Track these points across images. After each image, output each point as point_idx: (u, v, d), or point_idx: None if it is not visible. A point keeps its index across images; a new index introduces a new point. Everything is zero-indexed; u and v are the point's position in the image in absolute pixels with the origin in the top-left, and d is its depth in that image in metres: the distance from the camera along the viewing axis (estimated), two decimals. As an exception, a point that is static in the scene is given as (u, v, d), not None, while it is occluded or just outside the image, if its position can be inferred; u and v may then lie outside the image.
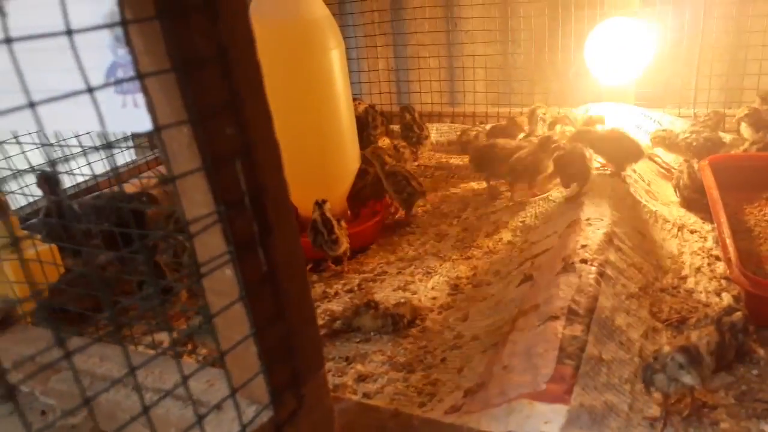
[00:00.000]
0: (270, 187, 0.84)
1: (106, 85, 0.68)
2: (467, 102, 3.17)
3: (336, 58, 2.12)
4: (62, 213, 1.89)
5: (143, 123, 0.79)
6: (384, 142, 2.93)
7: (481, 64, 3.16)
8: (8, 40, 0.57)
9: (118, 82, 0.76)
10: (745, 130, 2.43)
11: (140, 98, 0.91)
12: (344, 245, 2.04)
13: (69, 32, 0.62)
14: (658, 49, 2.68)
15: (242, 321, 0.84)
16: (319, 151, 2.22)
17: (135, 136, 2.46)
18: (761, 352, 1.40)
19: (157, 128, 0.72)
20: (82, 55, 0.71)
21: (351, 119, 2.29)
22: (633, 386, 1.28)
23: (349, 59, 3.55)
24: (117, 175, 2.31)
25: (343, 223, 2.09)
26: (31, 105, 0.59)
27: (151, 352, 1.49)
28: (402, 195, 2.30)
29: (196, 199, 0.79)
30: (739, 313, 1.40)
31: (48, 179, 2.00)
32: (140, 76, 0.71)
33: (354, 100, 2.50)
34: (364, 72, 3.46)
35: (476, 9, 3.14)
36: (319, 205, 2.04)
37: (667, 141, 2.50)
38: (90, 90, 0.64)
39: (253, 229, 0.82)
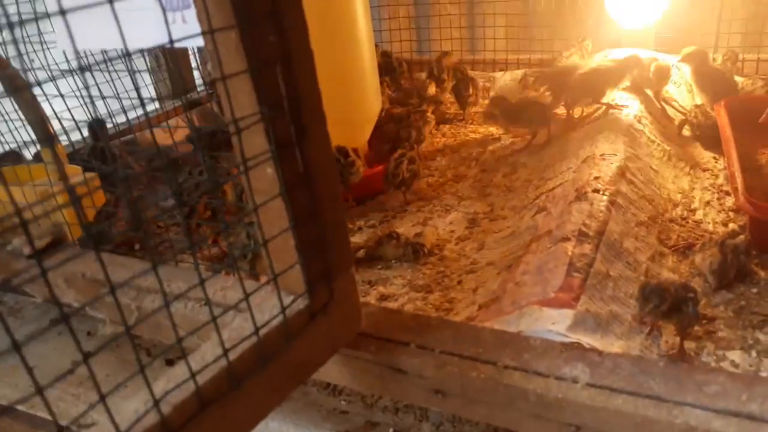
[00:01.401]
0: (306, 93, 0.93)
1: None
2: (487, 49, 3.20)
3: (359, 1, 2.17)
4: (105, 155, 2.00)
5: (190, 38, 0.88)
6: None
7: (502, 10, 3.17)
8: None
9: (173, -8, 0.84)
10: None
11: (188, 15, 1.00)
12: (361, 170, 2.11)
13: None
14: (678, -7, 2.69)
15: (282, 216, 0.94)
16: (342, 95, 2.28)
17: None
18: (762, 274, 1.48)
19: (211, 31, 0.81)
20: None
21: (373, 64, 2.34)
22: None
23: (371, 7, 3.59)
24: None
25: (360, 152, 2.17)
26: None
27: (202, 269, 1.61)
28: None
29: (241, 101, 0.88)
30: (742, 237, 1.47)
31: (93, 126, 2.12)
32: (195, -17, 0.79)
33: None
34: (385, 20, 3.50)
35: (497, -45, 3.15)
36: (338, 149, 2.12)
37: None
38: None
39: (290, 132, 0.91)
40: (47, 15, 0.69)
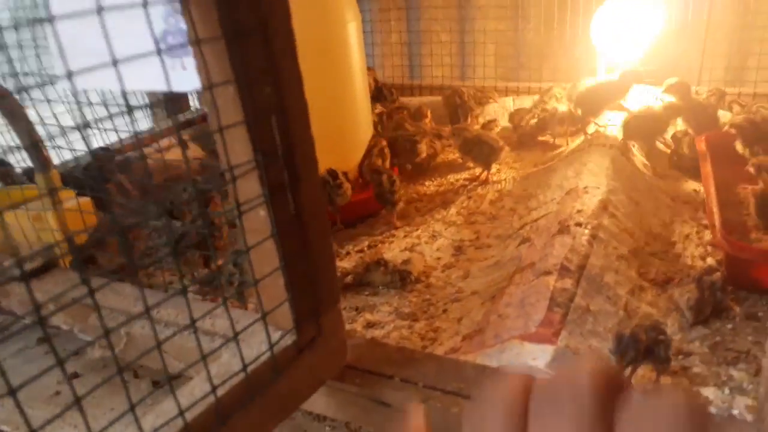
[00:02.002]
0: (299, 141, 0.97)
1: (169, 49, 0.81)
2: (477, 77, 3.27)
3: (353, 30, 2.23)
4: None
5: (189, 83, 0.93)
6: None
7: (492, 39, 3.25)
8: (98, 10, 0.70)
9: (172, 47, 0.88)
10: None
11: (187, 62, 1.05)
12: (349, 192, 2.17)
13: (145, 4, 0.75)
14: (663, 27, 2.77)
15: (273, 256, 0.98)
16: (334, 121, 2.33)
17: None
18: (737, 309, 1.54)
19: (210, 86, 0.85)
20: (134, 24, 0.84)
21: (365, 91, 2.40)
22: (616, 335, 1.42)
23: (363, 32, 3.66)
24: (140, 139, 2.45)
25: (349, 176, 2.23)
26: (114, 63, 0.72)
27: (189, 294, 1.64)
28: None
29: (237, 149, 0.92)
30: (718, 273, 1.53)
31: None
32: (197, 42, 0.84)
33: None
34: (377, 45, 3.56)
35: (488, -16, 3.23)
36: (328, 172, 2.18)
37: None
38: (159, 52, 0.77)
39: (283, 177, 0.95)
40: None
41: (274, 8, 0.89)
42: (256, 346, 1.05)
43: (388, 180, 2.29)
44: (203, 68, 0.86)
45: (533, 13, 3.21)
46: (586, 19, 2.89)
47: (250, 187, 0.94)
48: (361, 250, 2.11)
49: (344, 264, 2.00)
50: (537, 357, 1.23)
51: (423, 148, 2.54)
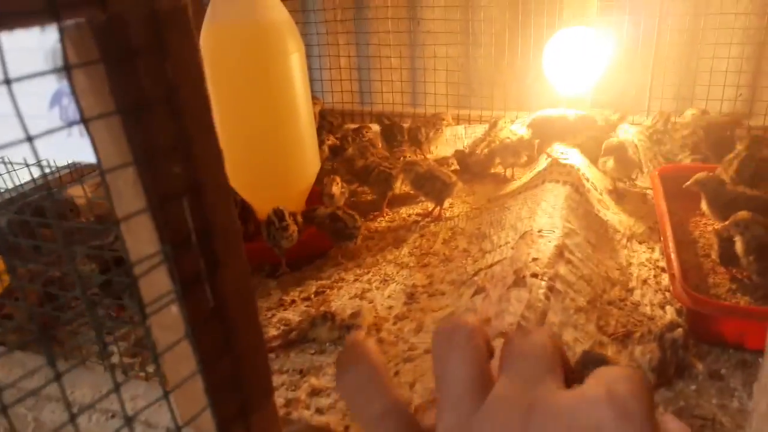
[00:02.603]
0: (219, 223, 0.84)
1: (49, 132, 0.66)
2: (428, 104, 3.18)
3: (296, 61, 2.10)
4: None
5: (89, 153, 0.78)
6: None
7: (443, 65, 3.18)
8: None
9: (66, 125, 0.74)
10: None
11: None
12: (295, 235, 2.04)
13: (8, 81, 0.60)
14: (613, 57, 2.74)
15: (189, 356, 0.84)
16: (278, 154, 2.21)
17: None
18: (700, 366, 1.47)
19: (101, 171, 0.71)
20: (26, 81, 0.70)
21: (310, 122, 2.27)
22: (577, 402, 1.32)
23: (309, 56, 3.53)
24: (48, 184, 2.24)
25: (298, 217, 2.10)
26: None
27: (99, 366, 1.47)
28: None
29: (142, 237, 0.78)
30: (680, 330, 1.46)
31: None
32: (83, 119, 0.70)
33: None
34: (326, 70, 3.44)
35: (438, 10, 3.15)
36: (276, 213, 2.04)
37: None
38: (30, 139, 0.62)
39: (199, 266, 0.81)
40: None
41: (184, 74, 0.75)
42: (172, 457, 0.90)
43: (345, 214, 2.16)
44: (95, 149, 0.72)
45: (484, 40, 3.15)
46: (537, 47, 2.85)
47: (158, 282, 0.79)
48: (308, 298, 1.97)
49: (288, 315, 1.86)
50: (494, 441, 1.11)
51: (398, 182, 2.44)
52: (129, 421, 0.75)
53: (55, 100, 0.87)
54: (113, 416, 1.24)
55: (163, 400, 0.95)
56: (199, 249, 0.82)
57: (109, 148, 0.73)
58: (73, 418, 0.72)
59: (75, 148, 0.85)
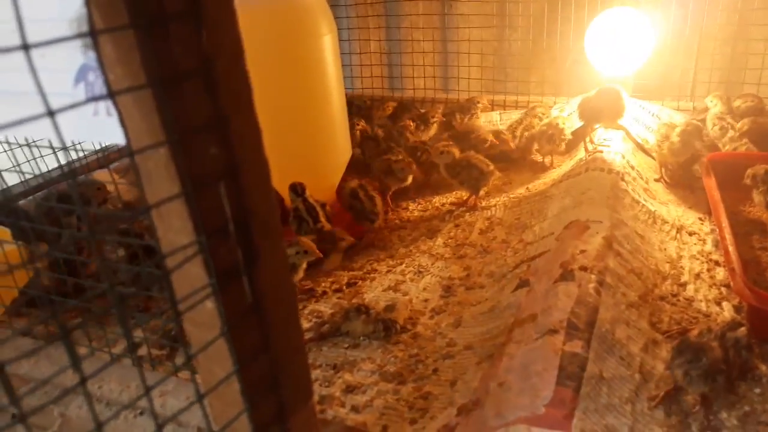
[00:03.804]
0: (258, 210, 0.76)
1: (72, 106, 0.59)
2: (461, 89, 3.07)
3: (328, 44, 2.02)
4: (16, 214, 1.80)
5: (117, 133, 0.71)
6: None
7: (477, 49, 3.06)
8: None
9: (90, 100, 0.67)
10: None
11: (112, 106, 0.82)
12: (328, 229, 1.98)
13: (26, 47, 0.53)
14: (659, 40, 2.61)
15: (224, 356, 0.77)
16: (309, 140, 2.13)
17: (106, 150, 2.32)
18: (763, 368, 1.36)
19: (131, 152, 0.64)
20: (49, 54, 0.63)
21: (342, 107, 2.20)
22: (633, 406, 1.23)
23: (340, 40, 3.44)
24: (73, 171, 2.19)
25: (327, 208, 2.03)
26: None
27: (128, 359, 1.42)
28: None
29: (175, 226, 0.71)
30: (743, 329, 1.35)
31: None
32: (111, 93, 0.62)
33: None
34: (355, 54, 3.35)
35: (472, -9, 3.04)
36: (297, 191, 1.97)
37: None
38: (51, 114, 0.55)
39: (237, 258, 0.74)
40: None
41: (221, 44, 0.67)
42: (206, 464, 0.84)
43: (365, 196, 2.10)
44: (123, 126, 0.65)
45: (521, 22, 3.02)
46: (577, 29, 2.72)
47: (192, 275, 0.72)
48: (339, 289, 1.90)
49: (320, 307, 1.80)
50: (549, 448, 1.03)
51: (409, 176, 2.35)
52: (160, 428, 0.68)
53: (81, 76, 0.80)
54: (141, 413, 1.18)
55: (190, 392, 0.89)
56: (237, 239, 0.74)
57: (138, 125, 0.66)
58: (100, 426, 0.65)
59: (102, 128, 0.78)
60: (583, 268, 1.52)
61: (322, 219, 1.94)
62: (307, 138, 2.09)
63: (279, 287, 0.81)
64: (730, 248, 1.58)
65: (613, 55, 2.50)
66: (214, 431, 0.76)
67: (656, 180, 2.27)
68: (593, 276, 1.49)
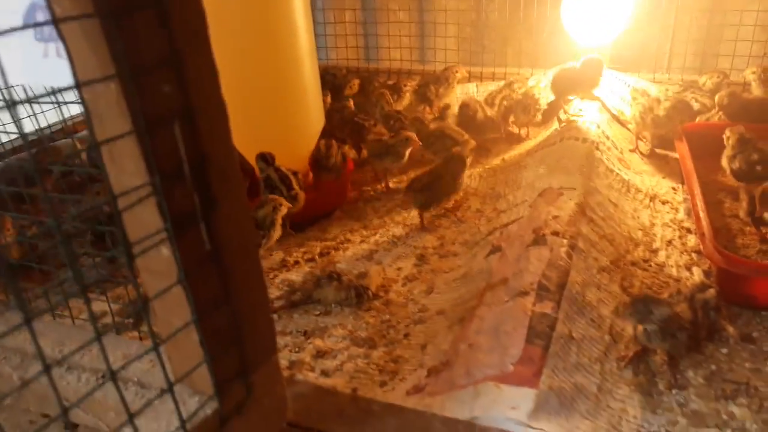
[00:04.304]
0: (215, 154, 0.73)
1: (15, 29, 0.55)
2: (438, 60, 3.04)
3: (299, 7, 1.97)
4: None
5: (68, 75, 0.68)
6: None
7: (453, 19, 3.02)
8: None
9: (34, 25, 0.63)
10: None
11: (62, 47, 0.79)
12: (302, 200, 1.95)
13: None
14: (635, 11, 2.60)
15: (182, 305, 0.74)
16: (281, 108, 2.09)
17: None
18: (731, 329, 1.37)
19: (78, 84, 0.61)
20: None
21: (315, 75, 2.15)
22: (602, 366, 1.24)
23: (314, 9, 3.37)
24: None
25: (299, 176, 2.00)
26: None
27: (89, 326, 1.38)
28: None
29: (127, 168, 0.68)
30: (712, 290, 1.36)
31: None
32: (56, 21, 0.59)
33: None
34: (330, 24, 3.29)
35: (449, -40, 2.99)
36: (267, 160, 1.93)
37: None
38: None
39: (193, 203, 0.71)
40: None
41: (174, -25, 0.64)
42: (166, 417, 0.82)
43: (325, 146, 2.10)
44: (70, 57, 0.61)
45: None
46: (553, 1, 2.69)
47: (146, 219, 0.69)
48: (312, 259, 1.87)
49: (292, 276, 1.77)
50: (517, 405, 1.03)
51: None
52: (113, 374, 0.66)
53: (29, 16, 0.76)
54: (104, 376, 1.15)
55: (154, 355, 0.87)
56: (193, 183, 0.72)
57: (87, 59, 0.62)
58: (47, 369, 0.63)
59: (52, 70, 0.74)
60: (555, 233, 1.51)
61: (296, 186, 1.91)
62: (278, 106, 2.05)
63: (239, 237, 0.79)
64: (702, 214, 1.59)
65: (590, 24, 2.49)
66: (171, 382, 0.74)
67: (631, 151, 2.27)
68: (565, 240, 1.49)
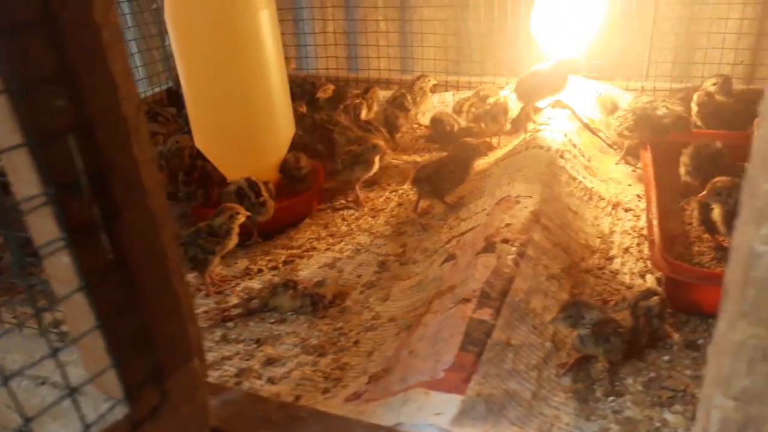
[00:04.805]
0: (116, 166, 0.75)
1: None
2: (417, 69, 3.06)
3: (265, 18, 2.00)
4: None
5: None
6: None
7: (434, 29, 3.05)
8: None
9: None
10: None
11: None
12: (272, 209, 1.97)
13: None
14: (607, 19, 2.61)
15: (86, 311, 0.76)
16: (249, 118, 2.11)
17: None
18: (676, 336, 1.38)
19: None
20: None
21: (283, 84, 2.18)
22: (540, 372, 1.25)
23: (297, 20, 3.42)
24: None
25: (270, 185, 2.02)
26: None
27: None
28: None
29: (25, 178, 0.70)
30: (656, 298, 1.37)
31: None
32: (-62, 39, 0.61)
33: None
34: (313, 34, 3.33)
35: (427, -31, 3.02)
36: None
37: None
38: None
39: (93, 213, 0.74)
40: None
41: (65, -6, 0.67)
42: (75, 420, 0.84)
43: (293, 158, 2.15)
44: (-43, 74, 0.64)
45: (476, 1, 3.00)
46: (528, 8, 2.71)
47: (45, 227, 0.72)
48: (276, 267, 1.90)
49: (253, 284, 1.79)
50: (442, 411, 1.04)
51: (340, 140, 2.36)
52: (7, 378, 0.68)
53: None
54: (43, 383, 1.18)
55: (74, 357, 0.89)
56: (93, 194, 0.74)
57: (-25, 74, 0.65)
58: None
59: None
60: (505, 241, 1.53)
61: (264, 194, 1.93)
62: (246, 116, 2.08)
63: (148, 246, 0.81)
64: (654, 221, 1.60)
65: (560, 34, 2.51)
66: (71, 387, 0.76)
67: (616, 163, 2.27)
68: (513, 248, 1.51)
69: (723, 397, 0.66)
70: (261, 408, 1.04)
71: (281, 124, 2.18)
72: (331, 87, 2.79)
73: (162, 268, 0.84)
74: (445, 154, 2.18)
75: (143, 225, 0.80)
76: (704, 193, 1.55)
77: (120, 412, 0.82)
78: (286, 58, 2.29)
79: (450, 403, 1.06)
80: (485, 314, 1.28)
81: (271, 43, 2.03)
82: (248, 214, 1.76)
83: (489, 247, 1.51)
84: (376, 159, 2.21)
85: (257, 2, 1.95)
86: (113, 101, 0.75)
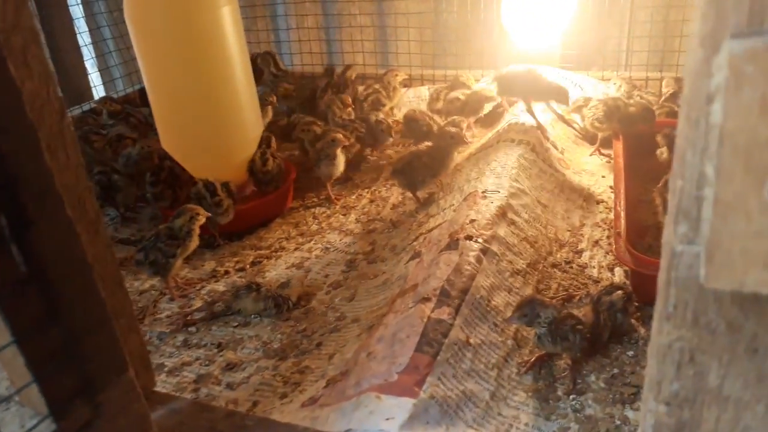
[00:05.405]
0: (26, 176, 0.72)
1: None
2: (400, 63, 3.02)
3: (227, 15, 1.96)
4: None
5: None
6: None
7: (411, 23, 3.01)
8: None
9: None
10: None
11: None
12: (231, 210, 1.94)
13: None
14: (581, 8, 2.58)
15: (1, 326, 0.74)
16: (213, 117, 2.07)
17: None
18: (642, 331, 1.36)
19: None
20: None
21: (249, 82, 2.14)
22: (500, 371, 1.22)
23: (275, 16, 3.37)
24: None
25: (231, 186, 1.99)
26: None
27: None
28: None
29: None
30: (619, 293, 1.35)
31: None
32: None
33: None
34: (292, 30, 3.28)
35: (403, -39, 2.98)
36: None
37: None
38: None
39: (0, 224, 0.71)
40: None
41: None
42: (2, 439, 0.81)
43: (260, 158, 2.12)
44: None
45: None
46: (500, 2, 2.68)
47: (-52, 242, 0.69)
48: (243, 268, 1.87)
49: (218, 287, 1.77)
50: (392, 415, 1.02)
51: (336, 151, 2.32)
52: None
53: None
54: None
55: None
56: (1, 205, 0.71)
57: None
58: None
59: None
60: (468, 237, 1.50)
61: (221, 194, 1.90)
62: (210, 115, 2.03)
63: (66, 257, 0.78)
64: (621, 213, 1.57)
65: (529, 24, 2.47)
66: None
67: (590, 155, 2.25)
68: (476, 245, 1.48)
69: (654, 401, 0.64)
70: (207, 417, 1.01)
71: (247, 122, 2.14)
72: (290, 87, 2.77)
73: (84, 278, 0.81)
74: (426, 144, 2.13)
75: (59, 235, 0.77)
76: (661, 184, 1.52)
77: (47, 428, 0.80)
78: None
79: (401, 407, 1.03)
80: (443, 313, 1.25)
81: (234, 40, 1.99)
82: (209, 214, 1.73)
83: (452, 244, 1.49)
84: (338, 152, 2.16)
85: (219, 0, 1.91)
86: (18, 110, 0.72)
